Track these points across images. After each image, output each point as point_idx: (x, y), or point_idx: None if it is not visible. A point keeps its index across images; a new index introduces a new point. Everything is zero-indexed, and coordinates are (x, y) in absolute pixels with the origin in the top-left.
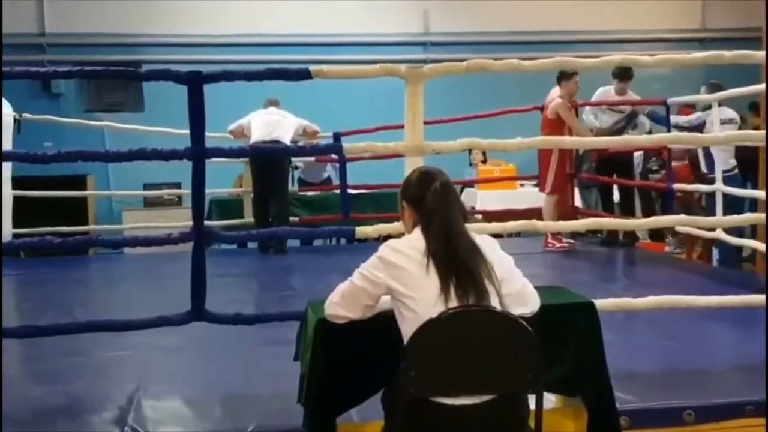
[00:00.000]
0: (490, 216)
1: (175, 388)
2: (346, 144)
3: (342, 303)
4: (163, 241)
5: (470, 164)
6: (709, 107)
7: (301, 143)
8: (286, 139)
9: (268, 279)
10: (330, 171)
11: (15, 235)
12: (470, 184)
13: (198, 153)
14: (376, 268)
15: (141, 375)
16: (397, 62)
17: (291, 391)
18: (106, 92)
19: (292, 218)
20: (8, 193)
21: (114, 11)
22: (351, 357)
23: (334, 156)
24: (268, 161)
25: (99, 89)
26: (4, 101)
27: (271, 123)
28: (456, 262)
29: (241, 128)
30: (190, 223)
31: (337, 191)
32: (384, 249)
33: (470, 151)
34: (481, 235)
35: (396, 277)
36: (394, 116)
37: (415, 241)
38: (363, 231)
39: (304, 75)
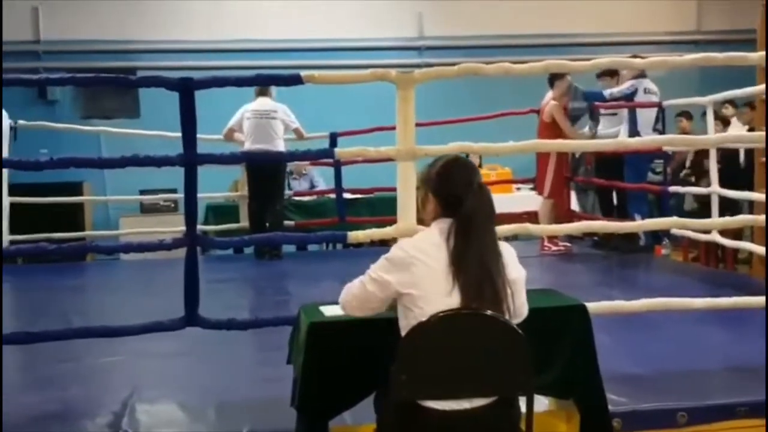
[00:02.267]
0: None
1: (169, 393)
2: (338, 149)
3: (354, 305)
4: (156, 247)
5: None
6: (639, 77)
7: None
8: (279, 145)
9: (264, 284)
10: (316, 176)
11: (11, 242)
12: None
13: (190, 160)
14: (386, 271)
15: (135, 380)
16: (391, 66)
17: (284, 395)
18: (101, 99)
19: (287, 223)
20: (4, 199)
21: (109, 18)
22: (343, 360)
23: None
24: (264, 167)
25: (94, 96)
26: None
27: (263, 128)
28: (484, 273)
29: (232, 131)
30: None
31: (333, 196)
32: (395, 250)
33: (466, 154)
34: (503, 243)
35: (406, 279)
36: (391, 117)
37: (433, 239)
38: (355, 236)
39: (295, 80)
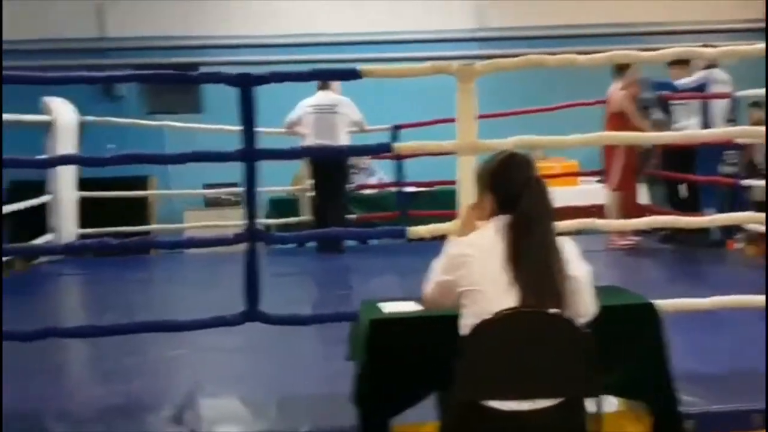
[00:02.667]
0: None
1: (231, 388)
2: (397, 144)
3: (432, 306)
4: (216, 242)
5: None
6: (710, 66)
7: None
8: (342, 140)
9: (326, 278)
10: (377, 170)
11: (80, 236)
12: None
13: (250, 155)
14: (444, 271)
15: (197, 374)
16: (451, 58)
17: (346, 391)
18: (165, 94)
19: (349, 216)
20: (74, 194)
21: (172, 14)
22: (404, 357)
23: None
24: (326, 161)
25: (159, 92)
26: (69, 105)
27: (326, 122)
28: (543, 273)
29: (293, 125)
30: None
31: (394, 189)
32: (450, 249)
33: (530, 149)
34: (564, 238)
35: (463, 277)
36: (455, 108)
37: (490, 236)
38: (416, 231)
39: (353, 75)
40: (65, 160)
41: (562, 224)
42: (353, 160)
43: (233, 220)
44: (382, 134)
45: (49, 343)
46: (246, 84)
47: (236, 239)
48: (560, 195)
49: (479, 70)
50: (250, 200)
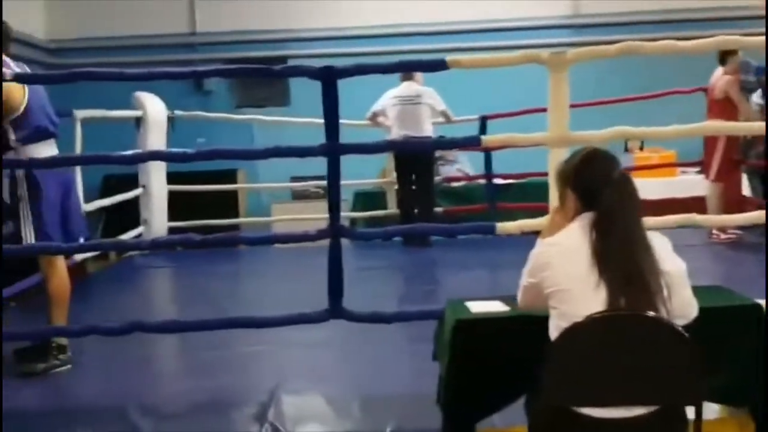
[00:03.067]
0: (648, 206)
1: (314, 385)
2: (485, 137)
3: (527, 306)
4: (298, 238)
5: (626, 150)
6: None
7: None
8: (427, 130)
9: (412, 272)
10: (464, 162)
11: (170, 229)
12: (626, 171)
13: (333, 149)
14: (530, 274)
15: (282, 370)
16: (545, 46)
17: (431, 391)
18: (253, 88)
19: (436, 209)
20: (164, 187)
21: (261, 8)
22: (492, 359)
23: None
24: (411, 154)
25: (247, 86)
26: (159, 100)
27: (410, 114)
28: (632, 269)
29: (376, 116)
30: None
31: (483, 181)
32: (534, 251)
33: (626, 141)
34: (653, 233)
35: (548, 278)
36: (544, 98)
37: (575, 235)
38: (504, 227)
39: (440, 66)
40: (151, 156)
41: (659, 220)
42: (441, 152)
43: (320, 213)
44: (469, 125)
45: (135, 337)
46: (329, 77)
47: (319, 235)
48: (658, 187)
49: (571, 58)
50: (333, 195)
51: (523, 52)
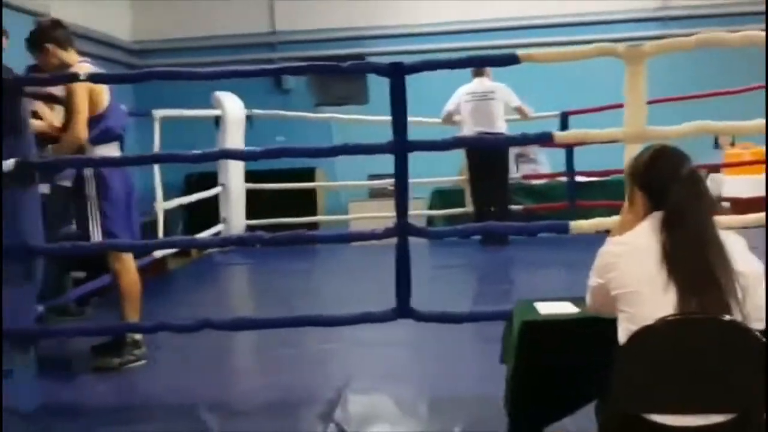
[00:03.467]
0: (738, 204)
1: (382, 385)
2: (557, 133)
3: (594, 311)
4: (365, 237)
5: (716, 146)
6: None
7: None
8: (500, 127)
9: (488, 271)
10: (544, 159)
11: (248, 227)
12: (715, 168)
13: (400, 147)
14: (597, 275)
15: (350, 369)
16: (632, 40)
17: (500, 394)
18: (332, 86)
19: (515, 207)
20: (242, 186)
21: (340, 5)
22: (559, 362)
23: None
24: (485, 151)
25: (326, 84)
26: (236, 99)
27: (483, 110)
28: (702, 269)
29: (450, 115)
30: (414, 212)
31: (563, 179)
32: (601, 251)
33: (716, 137)
34: (727, 232)
35: (615, 279)
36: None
37: (644, 235)
38: (578, 226)
39: (511, 60)
40: (222, 154)
41: (752, 218)
42: (520, 149)
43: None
44: (548, 122)
45: (209, 333)
46: (397, 74)
47: (385, 234)
48: (749, 184)
49: (649, 51)
50: (400, 193)
51: (597, 45)
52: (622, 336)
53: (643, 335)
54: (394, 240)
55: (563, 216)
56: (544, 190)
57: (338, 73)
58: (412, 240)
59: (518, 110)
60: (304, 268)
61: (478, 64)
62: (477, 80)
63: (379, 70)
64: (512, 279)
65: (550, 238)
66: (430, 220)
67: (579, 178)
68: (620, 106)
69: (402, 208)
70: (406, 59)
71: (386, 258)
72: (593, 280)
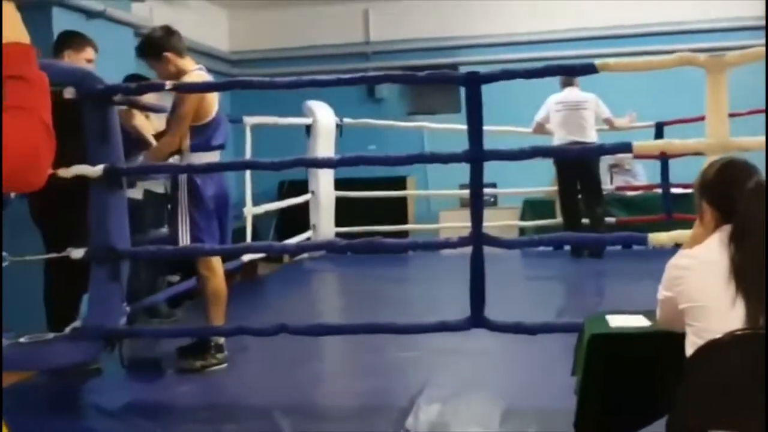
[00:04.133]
0: None
1: (457, 394)
2: (637, 143)
3: (666, 325)
4: (440, 245)
5: None
6: None
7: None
8: (592, 136)
9: (579, 283)
10: (639, 170)
11: (337, 234)
12: None
13: (476, 156)
14: (665, 287)
15: (426, 377)
16: (728, 49)
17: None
18: (425, 95)
19: (609, 219)
20: (331, 193)
21: (432, 16)
22: (628, 377)
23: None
24: (574, 161)
25: (418, 93)
26: (327, 108)
27: (575, 119)
28: (765, 280)
29: (541, 125)
30: (505, 223)
31: (660, 190)
32: (671, 266)
33: None
34: None
35: (683, 293)
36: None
37: (713, 248)
38: (657, 238)
39: (589, 70)
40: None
41: None
42: (614, 160)
43: (488, 221)
44: (643, 132)
45: (295, 338)
46: (473, 83)
47: (460, 243)
48: None
49: (731, 61)
50: (475, 203)
51: (678, 54)
52: (690, 350)
53: (710, 349)
54: (490, 249)
55: (659, 228)
56: (640, 202)
57: (414, 83)
58: (505, 251)
59: (607, 122)
60: (393, 276)
61: (555, 73)
62: (567, 90)
63: (455, 79)
64: (603, 291)
65: (646, 251)
66: (522, 231)
67: (675, 190)
68: None
69: (477, 217)
70: (500, 68)
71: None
72: (662, 293)
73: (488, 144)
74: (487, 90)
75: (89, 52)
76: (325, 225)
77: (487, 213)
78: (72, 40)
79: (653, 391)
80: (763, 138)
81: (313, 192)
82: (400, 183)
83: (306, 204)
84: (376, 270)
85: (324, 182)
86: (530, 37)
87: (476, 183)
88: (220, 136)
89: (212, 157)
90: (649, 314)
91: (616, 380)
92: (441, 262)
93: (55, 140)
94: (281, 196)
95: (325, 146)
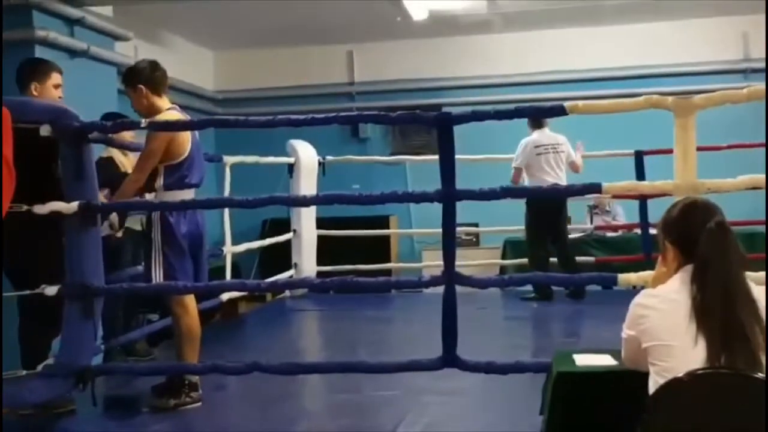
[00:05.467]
0: None
1: None
2: (606, 184)
3: (630, 364)
4: (413, 284)
5: None
6: None
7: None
8: (564, 178)
9: (556, 325)
10: (619, 210)
11: (319, 273)
12: None
13: (447, 195)
14: (627, 326)
15: (400, 418)
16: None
17: None
18: (409, 136)
19: (586, 259)
20: (313, 232)
21: (417, 57)
22: (591, 414)
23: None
24: (546, 202)
25: (403, 133)
26: (310, 147)
27: (554, 161)
28: (731, 323)
29: (520, 171)
30: (489, 261)
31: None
32: (634, 305)
33: None
34: (758, 287)
35: (645, 332)
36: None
37: (676, 288)
38: (626, 279)
39: (558, 111)
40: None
41: None
42: (595, 200)
43: (469, 260)
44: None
45: (270, 376)
46: (444, 124)
47: (433, 282)
48: None
49: (699, 103)
50: (448, 242)
51: (646, 96)
52: (652, 389)
53: (671, 388)
54: (471, 289)
55: (638, 268)
56: (619, 242)
57: (387, 123)
58: (486, 291)
59: (571, 165)
60: (374, 315)
61: (525, 115)
62: (537, 132)
63: (426, 120)
64: (578, 332)
65: (626, 291)
66: (503, 269)
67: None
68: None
69: (450, 257)
70: (482, 110)
71: (464, 306)
72: (625, 332)
73: (473, 178)
74: (473, 126)
75: (56, 78)
76: (307, 264)
77: (469, 252)
78: (35, 70)
79: (617, 428)
80: (733, 180)
81: (295, 231)
82: (383, 222)
83: (288, 243)
84: (357, 309)
85: (306, 221)
86: (512, 79)
87: (448, 222)
88: (194, 175)
89: (186, 195)
90: (616, 353)
91: (581, 418)
92: (423, 301)
93: (16, 176)
94: (263, 235)
95: (307, 185)
